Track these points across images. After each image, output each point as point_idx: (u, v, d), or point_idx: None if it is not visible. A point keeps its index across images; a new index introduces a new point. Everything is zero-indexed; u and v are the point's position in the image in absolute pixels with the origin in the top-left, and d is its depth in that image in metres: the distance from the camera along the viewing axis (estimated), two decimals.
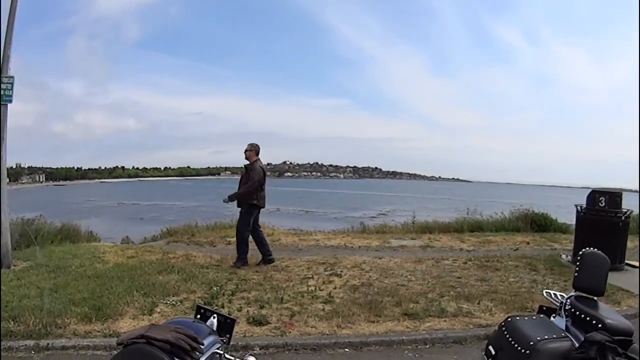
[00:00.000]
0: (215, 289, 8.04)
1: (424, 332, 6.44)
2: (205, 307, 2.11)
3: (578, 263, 2.99)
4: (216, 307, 6.96)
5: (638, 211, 15.97)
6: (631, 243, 12.30)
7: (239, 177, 10.66)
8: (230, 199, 10.41)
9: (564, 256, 11.38)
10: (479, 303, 7.51)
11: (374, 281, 8.83)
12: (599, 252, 3.03)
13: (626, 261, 10.68)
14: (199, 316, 2.10)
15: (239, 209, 10.37)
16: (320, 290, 8.15)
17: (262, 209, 10.56)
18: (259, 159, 10.45)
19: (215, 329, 2.01)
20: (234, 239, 10.95)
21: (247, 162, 10.41)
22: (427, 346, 6.19)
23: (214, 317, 2.05)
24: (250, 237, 10.33)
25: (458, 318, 6.85)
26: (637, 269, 10.48)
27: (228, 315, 2.07)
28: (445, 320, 6.77)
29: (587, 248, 3.06)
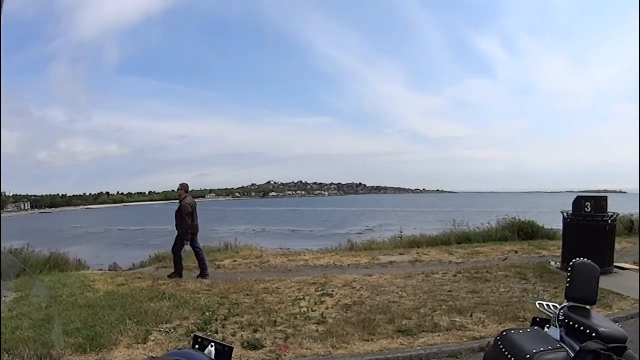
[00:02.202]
0: (208, 314, 7.99)
1: (418, 348, 6.43)
2: (203, 336, 2.11)
3: (569, 273, 3.03)
4: (210, 334, 6.96)
5: (638, 212, 16.18)
6: (619, 245, 12.44)
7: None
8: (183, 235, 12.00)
9: (553, 263, 11.46)
10: (471, 316, 7.53)
11: (365, 299, 8.83)
12: (589, 261, 3.08)
13: (615, 264, 10.78)
14: (197, 346, 2.11)
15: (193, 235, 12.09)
16: (313, 311, 8.13)
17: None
18: (188, 195, 12.35)
19: (214, 357, 2.02)
20: (223, 262, 11.20)
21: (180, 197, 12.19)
22: None
23: (211, 346, 2.06)
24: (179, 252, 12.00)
25: (452, 332, 6.86)
26: (627, 271, 10.62)
27: (225, 344, 2.08)
28: (439, 335, 6.77)
29: (578, 258, 3.11)
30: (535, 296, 8.59)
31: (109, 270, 14.68)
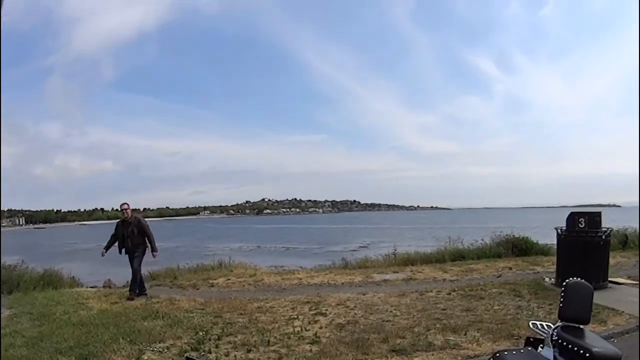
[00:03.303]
0: (201, 334, 7.95)
1: None
2: (195, 357, 2.11)
3: (562, 293, 3.05)
4: (203, 354, 6.93)
5: (639, 225, 16.21)
6: (613, 260, 12.44)
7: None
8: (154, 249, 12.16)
9: (547, 279, 11.46)
10: (465, 334, 7.49)
11: (359, 318, 8.79)
12: (582, 280, 3.09)
13: (609, 279, 10.77)
14: None
15: (135, 253, 11.87)
16: (307, 330, 8.09)
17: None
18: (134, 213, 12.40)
19: None
20: (217, 281, 11.18)
21: (127, 217, 11.98)
22: None
23: None
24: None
25: (446, 351, 6.83)
26: (621, 286, 10.62)
27: None
28: (433, 354, 6.73)
29: (571, 278, 3.12)
30: (530, 313, 8.59)
31: (104, 287, 14.63)
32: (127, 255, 11.97)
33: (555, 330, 3.03)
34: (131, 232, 11.84)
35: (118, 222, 12.26)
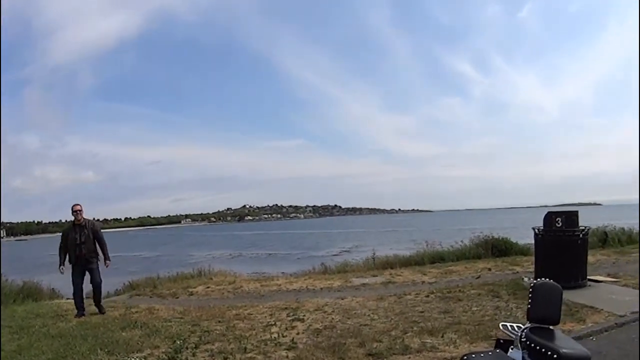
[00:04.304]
0: (178, 342, 7.84)
1: None
2: None
3: (530, 295, 3.02)
4: None
5: (639, 222, 16.38)
6: (592, 257, 12.51)
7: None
8: (108, 257, 10.97)
9: (525, 279, 11.47)
10: (442, 336, 7.44)
11: (336, 323, 8.73)
12: (551, 281, 3.07)
13: (589, 277, 10.80)
14: None
15: (91, 264, 10.77)
16: (284, 336, 8.02)
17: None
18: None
19: None
20: (196, 289, 10.95)
21: (80, 221, 10.77)
22: None
23: None
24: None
25: (422, 354, 6.77)
26: (601, 284, 10.71)
27: None
28: (409, 357, 6.66)
29: (539, 279, 3.10)
30: (508, 313, 8.58)
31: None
32: (72, 266, 10.66)
33: (524, 332, 3.01)
34: (87, 237, 10.65)
35: (65, 229, 10.98)
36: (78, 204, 10.87)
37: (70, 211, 10.81)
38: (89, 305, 10.85)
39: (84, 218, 10.83)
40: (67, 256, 10.65)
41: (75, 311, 10.62)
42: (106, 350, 7.51)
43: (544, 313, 3.00)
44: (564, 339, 2.88)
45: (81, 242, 10.58)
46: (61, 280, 12.27)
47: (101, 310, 10.78)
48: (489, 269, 13.86)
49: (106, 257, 10.87)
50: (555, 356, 2.58)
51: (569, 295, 9.17)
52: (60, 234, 10.99)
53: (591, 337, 7.24)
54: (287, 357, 6.96)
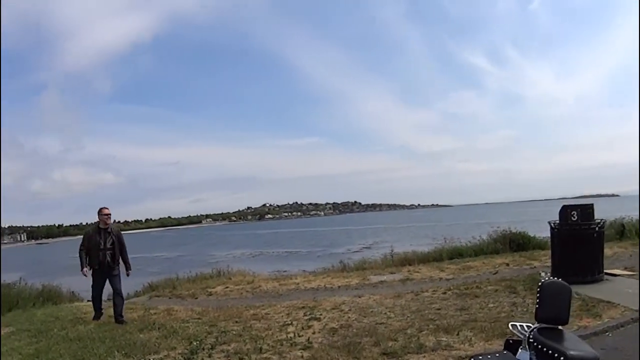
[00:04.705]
0: (195, 343, 7.91)
1: None
2: None
3: (538, 294, 2.99)
4: None
5: (639, 215, 16.15)
6: (610, 250, 12.37)
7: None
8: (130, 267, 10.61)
9: (543, 274, 11.33)
10: (458, 334, 7.42)
11: (352, 322, 8.75)
12: (559, 280, 3.04)
13: (605, 271, 10.69)
14: None
15: (114, 271, 10.35)
16: (299, 336, 8.06)
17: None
18: None
19: None
20: (215, 289, 10.93)
21: (107, 226, 10.36)
22: None
23: None
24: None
25: (437, 352, 6.75)
26: (617, 277, 10.55)
27: None
28: (424, 356, 6.65)
29: (547, 278, 3.07)
30: (524, 310, 8.51)
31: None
32: (92, 272, 10.28)
33: (532, 333, 2.99)
34: (113, 243, 10.24)
35: (89, 231, 10.46)
36: (107, 208, 10.45)
37: (98, 214, 10.37)
38: (108, 307, 10.72)
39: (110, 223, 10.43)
40: (88, 259, 10.19)
41: (93, 313, 10.59)
42: (123, 352, 7.58)
43: (553, 313, 2.95)
44: (572, 340, 2.84)
45: (106, 248, 10.16)
46: (81, 283, 12.38)
47: (122, 322, 10.00)
48: (507, 264, 13.78)
49: (128, 266, 10.54)
50: (562, 358, 2.56)
51: (585, 290, 9.12)
52: (82, 236, 10.65)
53: (607, 333, 7.19)
54: (302, 357, 6.99)
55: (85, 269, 10.14)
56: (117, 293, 10.30)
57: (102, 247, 10.11)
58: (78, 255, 10.36)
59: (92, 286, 10.39)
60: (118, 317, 10.12)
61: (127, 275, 10.57)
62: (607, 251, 11.48)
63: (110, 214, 10.41)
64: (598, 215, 10.72)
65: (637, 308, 8.02)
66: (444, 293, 10.62)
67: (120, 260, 10.41)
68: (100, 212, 10.32)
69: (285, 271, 19.90)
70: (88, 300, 13.97)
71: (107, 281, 10.33)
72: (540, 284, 3.06)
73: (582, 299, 8.72)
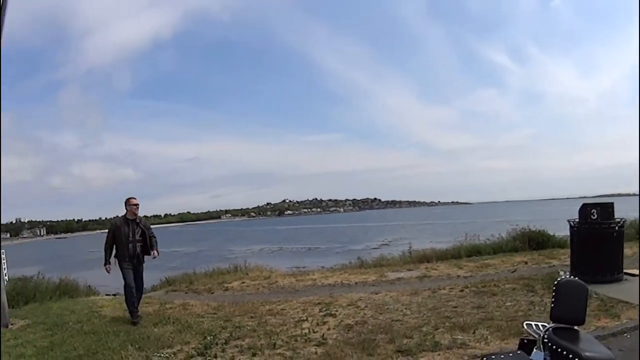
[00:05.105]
0: (209, 338, 7.93)
1: None
2: None
3: (554, 293, 2.93)
4: (209, 359, 6.92)
5: (638, 215, 15.90)
6: (630, 250, 12.19)
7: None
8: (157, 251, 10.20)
9: (561, 273, 11.22)
10: (474, 332, 7.36)
11: (368, 319, 8.72)
12: (576, 279, 2.98)
13: (625, 270, 10.53)
14: None
15: (142, 263, 10.13)
16: (314, 332, 8.04)
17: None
18: None
19: None
20: (231, 284, 10.84)
21: (136, 216, 9.98)
22: None
23: None
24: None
25: (452, 350, 6.70)
26: (637, 278, 10.36)
27: None
28: (439, 354, 6.60)
29: (563, 277, 3.01)
30: (542, 309, 8.42)
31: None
32: (122, 264, 9.78)
33: (547, 333, 2.93)
34: (142, 234, 9.91)
35: (116, 222, 9.97)
36: (135, 198, 10.02)
37: (125, 205, 9.96)
38: (141, 307, 10.24)
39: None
40: (117, 252, 9.79)
41: (129, 315, 9.78)
42: (137, 346, 7.61)
43: (568, 313, 2.89)
44: (587, 341, 2.77)
45: (135, 240, 9.81)
46: (98, 277, 12.43)
47: (135, 319, 9.54)
48: (526, 263, 13.65)
49: (156, 249, 10.10)
50: (577, 359, 2.50)
51: (604, 290, 9.00)
52: (106, 230, 10.19)
53: (626, 334, 7.08)
54: (315, 353, 6.97)
55: (108, 266, 9.76)
56: (139, 288, 9.98)
57: (132, 238, 9.76)
58: (104, 249, 9.90)
59: (126, 283, 9.75)
60: (134, 311, 9.75)
61: (154, 257, 10.06)
62: (627, 251, 11.31)
63: (138, 205, 10.02)
64: (618, 214, 10.56)
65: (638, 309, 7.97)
66: (461, 291, 10.55)
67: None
68: (128, 202, 9.96)
69: (304, 267, 19.87)
70: (107, 294, 14.07)
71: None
72: (556, 282, 3.00)
73: (600, 298, 8.61)
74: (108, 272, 9.76)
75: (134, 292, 9.73)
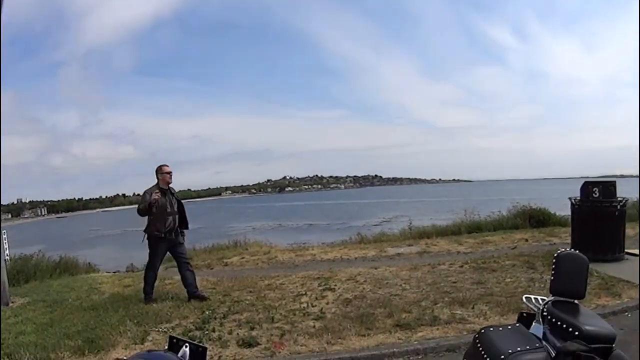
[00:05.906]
0: (207, 313, 7.94)
1: (415, 342, 6.25)
2: (178, 337, 2.02)
3: (553, 266, 2.85)
4: (207, 332, 6.94)
5: (638, 196, 15.83)
6: (632, 231, 12.16)
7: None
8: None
9: (562, 249, 11.22)
10: (473, 308, 7.36)
11: (367, 293, 8.72)
12: (576, 252, 2.89)
13: (626, 250, 10.50)
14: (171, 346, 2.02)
15: (181, 237, 9.25)
16: (313, 306, 8.05)
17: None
18: None
19: (187, 358, 1.92)
20: (231, 260, 10.73)
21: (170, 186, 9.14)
22: (420, 357, 6.02)
23: (186, 347, 1.96)
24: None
25: (451, 325, 6.70)
26: (638, 257, 10.31)
27: (199, 344, 1.98)
28: (438, 329, 6.61)
29: (563, 249, 2.93)
30: (542, 285, 8.41)
31: (127, 271, 14.72)
32: (155, 241, 8.93)
33: (547, 306, 2.86)
34: (179, 205, 9.10)
35: (149, 192, 8.73)
36: (167, 165, 9.08)
37: (156, 173, 9.04)
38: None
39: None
40: (150, 227, 8.85)
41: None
42: (135, 321, 7.61)
43: (568, 286, 2.80)
44: (588, 316, 2.68)
45: (173, 211, 8.94)
46: (98, 256, 12.37)
47: (200, 296, 8.92)
48: (526, 240, 13.64)
49: (187, 226, 9.33)
50: (577, 333, 2.40)
51: (604, 269, 8.98)
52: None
53: (626, 313, 7.08)
54: (314, 327, 6.96)
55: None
56: (185, 263, 9.14)
57: (170, 210, 8.88)
58: (138, 212, 8.85)
59: (151, 263, 9.13)
60: (194, 291, 9.02)
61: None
62: (629, 231, 11.27)
63: (171, 172, 9.09)
64: (621, 194, 10.52)
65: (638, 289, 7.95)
66: (461, 266, 10.55)
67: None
68: (160, 169, 9.03)
69: (304, 242, 19.83)
70: (107, 272, 14.06)
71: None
72: (556, 255, 2.92)
73: (601, 277, 8.60)
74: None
75: (156, 275, 9.26)
